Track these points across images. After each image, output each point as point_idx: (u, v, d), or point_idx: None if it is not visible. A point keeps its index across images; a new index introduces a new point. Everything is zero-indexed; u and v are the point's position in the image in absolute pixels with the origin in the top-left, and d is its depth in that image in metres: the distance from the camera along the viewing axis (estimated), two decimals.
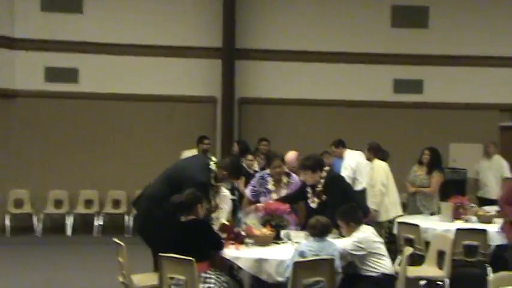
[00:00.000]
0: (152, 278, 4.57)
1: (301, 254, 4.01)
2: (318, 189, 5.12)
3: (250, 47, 10.62)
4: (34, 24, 10.14)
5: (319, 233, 4.17)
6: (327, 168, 5.29)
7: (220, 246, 4.34)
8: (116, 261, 4.77)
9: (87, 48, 10.24)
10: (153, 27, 10.38)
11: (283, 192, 5.45)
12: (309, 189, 5.20)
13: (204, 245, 4.25)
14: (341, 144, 8.07)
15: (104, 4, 10.35)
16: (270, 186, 5.50)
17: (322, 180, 5.10)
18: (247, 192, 5.69)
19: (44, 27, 10.16)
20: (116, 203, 10.17)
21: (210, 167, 4.86)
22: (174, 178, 4.75)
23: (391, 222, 6.76)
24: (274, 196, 5.40)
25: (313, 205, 5.13)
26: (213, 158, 5.04)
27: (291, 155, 5.97)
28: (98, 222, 9.80)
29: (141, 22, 10.37)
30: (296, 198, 5.33)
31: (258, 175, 5.77)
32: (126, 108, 10.38)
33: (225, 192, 5.31)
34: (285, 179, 5.53)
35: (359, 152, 7.94)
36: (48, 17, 10.18)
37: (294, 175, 5.65)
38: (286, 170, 5.61)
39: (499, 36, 10.96)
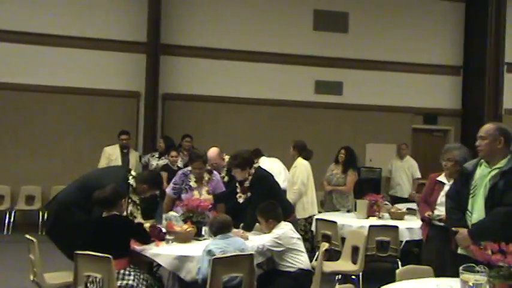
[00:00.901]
0: (66, 276, 4.43)
1: (209, 252, 4.00)
2: (245, 185, 5.24)
3: (175, 42, 10.53)
4: None
5: (217, 229, 4.24)
6: (256, 165, 5.38)
7: (146, 240, 4.34)
8: (28, 259, 4.57)
9: (2, 36, 9.70)
10: (75, 18, 10.01)
11: (205, 189, 5.51)
12: (237, 184, 5.32)
13: (126, 239, 4.20)
14: (256, 152, 8.10)
15: None
16: (192, 184, 5.52)
17: (250, 177, 5.20)
18: (168, 190, 5.68)
19: None
20: (30, 199, 9.72)
21: (129, 181, 4.82)
22: (89, 187, 4.62)
23: (306, 220, 6.96)
24: (196, 193, 5.43)
25: (240, 200, 5.29)
26: (133, 172, 4.98)
27: (212, 152, 5.99)
28: (10, 219, 9.32)
29: (62, 12, 9.97)
30: (230, 195, 5.42)
31: (180, 172, 5.75)
32: (44, 100, 9.91)
33: None
34: (206, 177, 5.59)
35: (273, 159, 8.03)
36: None
37: (215, 173, 5.73)
38: (208, 168, 5.66)
39: (414, 43, 11.61)
